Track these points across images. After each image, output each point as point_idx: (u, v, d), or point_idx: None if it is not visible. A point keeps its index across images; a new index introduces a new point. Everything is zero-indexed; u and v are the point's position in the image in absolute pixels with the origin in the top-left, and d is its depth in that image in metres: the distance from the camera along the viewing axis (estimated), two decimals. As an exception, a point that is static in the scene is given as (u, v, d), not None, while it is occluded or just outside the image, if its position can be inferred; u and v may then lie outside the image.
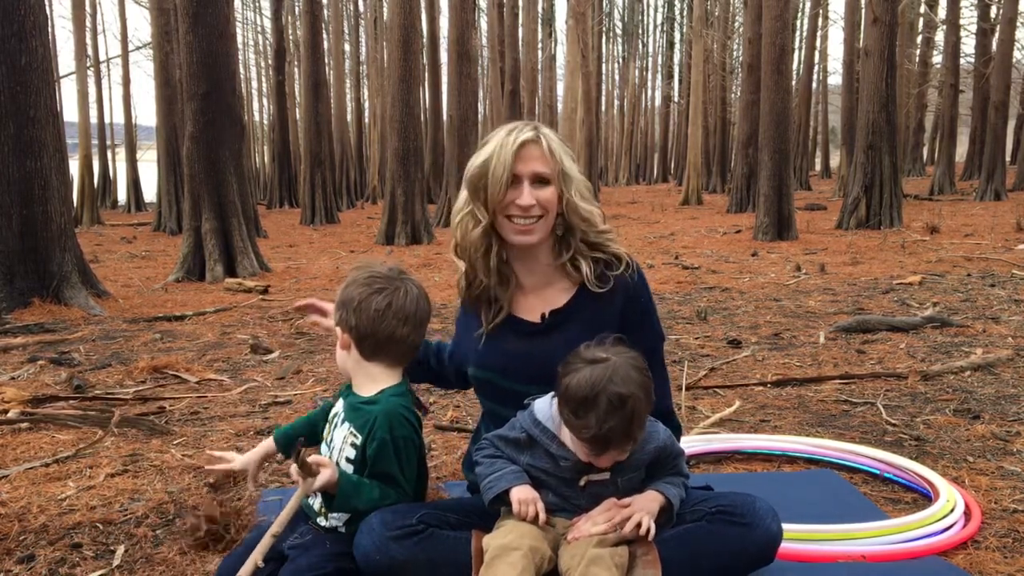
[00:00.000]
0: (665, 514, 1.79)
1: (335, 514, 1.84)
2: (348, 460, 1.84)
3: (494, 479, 1.79)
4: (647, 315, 2.00)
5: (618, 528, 1.72)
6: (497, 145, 1.89)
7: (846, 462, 2.94)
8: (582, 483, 1.77)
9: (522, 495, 1.76)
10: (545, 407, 1.80)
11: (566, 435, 1.76)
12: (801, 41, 33.84)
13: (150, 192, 26.98)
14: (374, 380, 1.88)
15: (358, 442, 1.83)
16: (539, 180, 1.90)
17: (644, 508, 1.75)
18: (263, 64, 43.51)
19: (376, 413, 1.81)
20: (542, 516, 1.74)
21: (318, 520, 1.88)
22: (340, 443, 1.87)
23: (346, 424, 1.87)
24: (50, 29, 9.03)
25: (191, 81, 9.37)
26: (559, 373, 1.72)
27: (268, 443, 2.05)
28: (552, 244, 1.99)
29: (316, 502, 1.87)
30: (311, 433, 2.02)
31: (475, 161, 1.92)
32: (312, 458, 1.72)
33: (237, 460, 2.01)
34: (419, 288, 1.90)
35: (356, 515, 1.81)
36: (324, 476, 1.72)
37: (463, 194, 1.96)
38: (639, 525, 1.72)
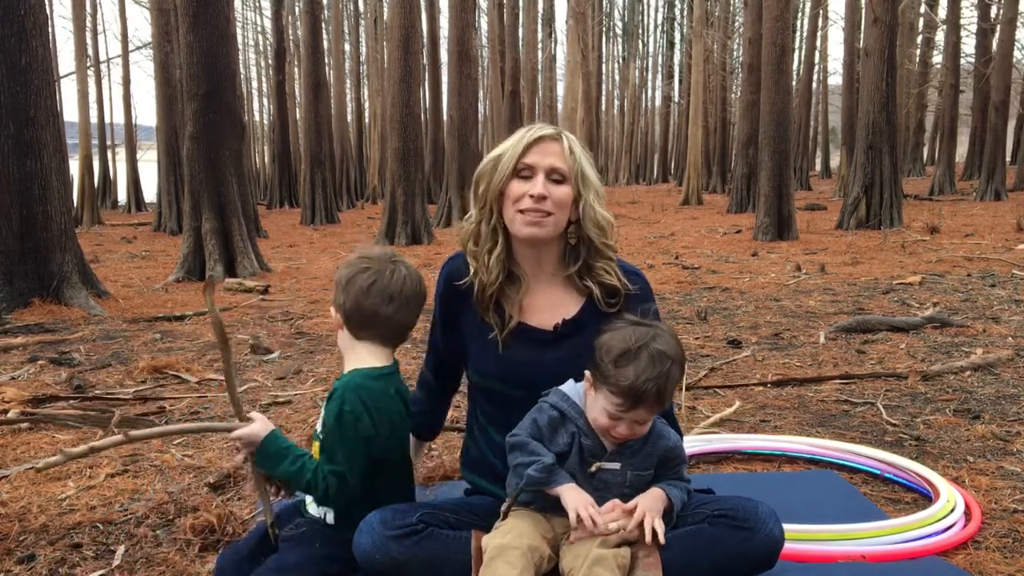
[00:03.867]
0: (666, 516, 1.78)
1: (322, 507, 1.83)
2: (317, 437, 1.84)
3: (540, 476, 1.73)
4: None
5: (625, 527, 1.71)
6: (514, 139, 1.90)
7: (846, 462, 2.94)
8: (593, 468, 1.77)
9: (576, 501, 1.69)
10: (571, 386, 1.82)
11: (590, 412, 1.77)
12: (801, 41, 33.90)
13: (150, 192, 27.02)
14: (359, 360, 1.86)
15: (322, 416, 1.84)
16: (555, 176, 1.87)
17: (651, 508, 1.74)
18: (263, 64, 43.53)
19: (337, 386, 1.81)
20: (598, 520, 1.68)
21: (307, 507, 1.87)
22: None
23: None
24: (50, 29, 9.03)
25: (191, 81, 9.37)
26: (599, 332, 1.76)
27: None
28: (562, 254, 1.97)
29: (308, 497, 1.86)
30: None
31: (489, 155, 1.92)
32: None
33: None
34: (409, 270, 1.88)
35: (342, 512, 1.80)
36: (255, 426, 1.78)
37: (475, 191, 1.96)
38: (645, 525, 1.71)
